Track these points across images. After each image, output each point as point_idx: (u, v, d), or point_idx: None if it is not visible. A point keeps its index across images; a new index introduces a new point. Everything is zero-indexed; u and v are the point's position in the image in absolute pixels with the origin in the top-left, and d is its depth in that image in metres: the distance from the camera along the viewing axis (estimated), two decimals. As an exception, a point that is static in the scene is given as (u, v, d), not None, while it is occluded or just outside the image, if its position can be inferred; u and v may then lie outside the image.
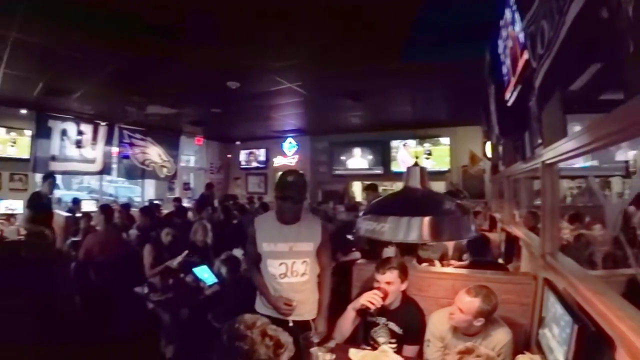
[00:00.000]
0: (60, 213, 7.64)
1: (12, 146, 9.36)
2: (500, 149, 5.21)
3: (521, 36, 2.63)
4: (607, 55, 1.77)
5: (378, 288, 2.65)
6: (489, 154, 6.43)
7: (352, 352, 2.41)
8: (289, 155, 12.78)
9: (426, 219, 1.98)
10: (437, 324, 2.58)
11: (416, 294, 2.94)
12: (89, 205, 9.63)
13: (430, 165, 10.26)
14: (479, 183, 9.91)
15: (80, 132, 10.29)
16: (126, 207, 8.60)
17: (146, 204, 10.81)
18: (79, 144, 10.26)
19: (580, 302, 1.69)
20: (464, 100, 7.45)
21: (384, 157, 11.48)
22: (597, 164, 7.28)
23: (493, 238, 4.95)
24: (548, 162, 2.30)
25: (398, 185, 6.56)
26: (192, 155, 13.71)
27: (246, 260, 3.14)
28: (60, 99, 8.45)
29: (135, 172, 11.61)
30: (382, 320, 2.75)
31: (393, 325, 2.72)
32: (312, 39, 5.09)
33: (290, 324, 2.73)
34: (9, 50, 5.62)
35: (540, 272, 2.48)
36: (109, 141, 10.81)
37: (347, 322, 2.75)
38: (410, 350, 2.67)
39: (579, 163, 6.89)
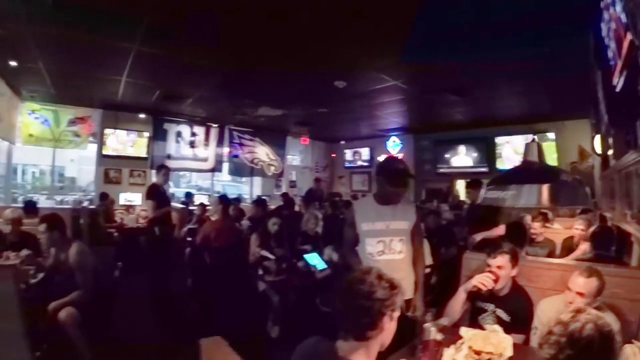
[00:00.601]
0: (176, 205, 8.28)
1: (132, 146, 10.55)
2: (611, 141, 4.94)
3: (622, 16, 2.49)
4: None
5: (490, 272, 2.68)
6: (598, 150, 6.06)
7: (463, 330, 2.36)
8: (393, 153, 12.51)
9: (545, 186, 2.10)
10: (546, 310, 2.53)
11: (525, 285, 2.88)
12: (200, 199, 10.28)
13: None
14: (588, 181, 9.26)
15: (193, 134, 11.28)
16: (237, 201, 9.36)
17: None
18: (192, 144, 11.26)
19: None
20: (570, 91, 7.02)
21: (488, 154, 10.92)
22: None
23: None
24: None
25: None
26: (298, 154, 14.18)
27: (344, 243, 3.23)
28: (175, 104, 9.28)
29: (244, 170, 12.47)
30: (490, 306, 2.75)
31: (501, 312, 2.69)
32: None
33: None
34: (131, 61, 6.26)
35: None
36: (220, 141, 11.75)
37: (458, 304, 2.77)
38: (516, 338, 2.50)
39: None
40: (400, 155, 12.23)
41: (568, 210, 6.37)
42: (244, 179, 14.21)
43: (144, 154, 10.62)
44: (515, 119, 9.72)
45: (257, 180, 13.49)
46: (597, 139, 6.10)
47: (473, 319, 2.84)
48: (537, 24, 4.63)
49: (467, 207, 6.48)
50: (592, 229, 4.48)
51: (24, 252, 3.79)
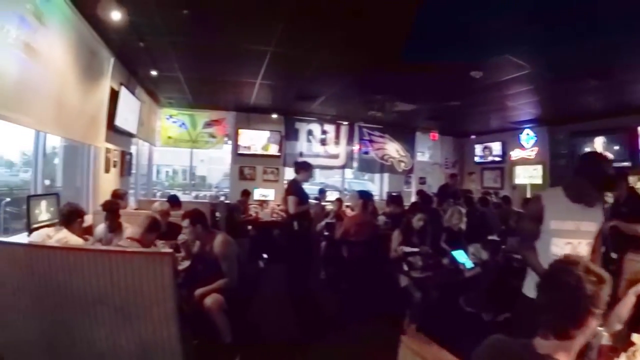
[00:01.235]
0: (311, 201, 8.35)
1: (265, 145, 10.95)
2: None
3: None
4: None
5: None
6: None
7: (636, 337, 2.13)
8: (527, 147, 11.58)
9: None
10: None
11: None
12: (332, 196, 10.48)
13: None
14: None
15: (324, 132, 11.43)
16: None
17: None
18: (323, 142, 11.43)
19: None
20: None
21: (632, 146, 9.21)
22: None
23: None
24: None
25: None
26: (426, 150, 13.74)
27: (522, 239, 2.91)
28: (307, 103, 9.38)
29: (374, 167, 12.29)
30: None
31: None
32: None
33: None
34: (266, 64, 6.38)
35: None
36: (350, 138, 11.73)
37: (626, 308, 2.43)
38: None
39: None
40: (535, 150, 11.48)
41: None
42: (366, 176, 14.08)
43: (276, 152, 10.96)
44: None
45: (378, 177, 13.39)
46: None
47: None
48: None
49: (608, 206, 5.49)
50: None
51: (181, 237, 4.02)
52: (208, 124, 10.60)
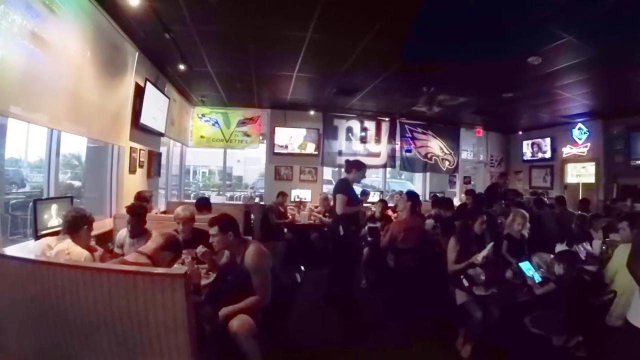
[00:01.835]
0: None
1: (302, 144, 10.57)
2: None
3: None
4: None
5: None
6: None
7: None
8: (579, 143, 10.74)
9: None
10: None
11: None
12: (374, 197, 10.05)
13: None
14: None
15: (364, 129, 10.93)
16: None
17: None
18: (363, 140, 10.93)
19: None
20: None
21: None
22: None
23: None
24: None
25: None
26: (470, 148, 13.03)
27: (633, 255, 2.20)
28: (346, 97, 8.89)
29: (418, 165, 11.71)
30: None
31: None
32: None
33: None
34: (303, 53, 5.95)
35: None
36: (391, 136, 11.17)
37: None
38: None
39: None
40: (587, 146, 10.62)
41: None
42: (403, 175, 13.47)
43: (314, 151, 10.58)
44: None
45: (419, 176, 12.80)
46: None
47: None
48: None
49: None
50: None
51: (200, 249, 3.54)
52: (242, 123, 10.33)
